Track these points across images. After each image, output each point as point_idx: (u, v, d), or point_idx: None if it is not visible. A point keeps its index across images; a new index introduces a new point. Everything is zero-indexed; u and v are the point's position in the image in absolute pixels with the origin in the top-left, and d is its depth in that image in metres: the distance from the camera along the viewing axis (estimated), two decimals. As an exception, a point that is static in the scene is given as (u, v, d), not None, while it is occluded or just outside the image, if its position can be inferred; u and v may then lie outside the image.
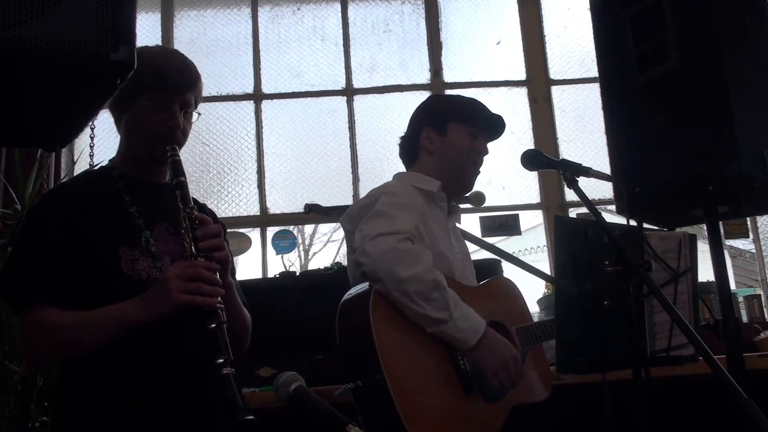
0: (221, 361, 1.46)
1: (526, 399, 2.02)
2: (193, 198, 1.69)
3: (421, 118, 2.28)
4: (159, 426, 1.59)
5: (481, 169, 2.27)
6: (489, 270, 2.48)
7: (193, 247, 1.58)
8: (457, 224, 2.32)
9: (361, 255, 1.88)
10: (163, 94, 1.68)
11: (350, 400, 1.80)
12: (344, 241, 2.21)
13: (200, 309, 1.51)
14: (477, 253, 2.81)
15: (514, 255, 2.82)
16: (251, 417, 1.40)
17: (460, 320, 1.83)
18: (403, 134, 2.33)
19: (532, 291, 3.16)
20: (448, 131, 2.21)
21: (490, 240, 3.23)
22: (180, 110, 1.71)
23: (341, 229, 2.21)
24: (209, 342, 1.49)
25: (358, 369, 1.80)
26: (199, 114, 1.80)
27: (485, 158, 2.26)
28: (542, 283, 3.65)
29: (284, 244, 3.72)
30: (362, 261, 1.87)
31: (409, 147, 2.28)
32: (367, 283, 1.89)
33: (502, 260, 2.83)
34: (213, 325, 1.50)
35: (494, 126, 2.27)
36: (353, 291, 1.94)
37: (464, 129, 2.21)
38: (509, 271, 2.78)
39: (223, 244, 1.64)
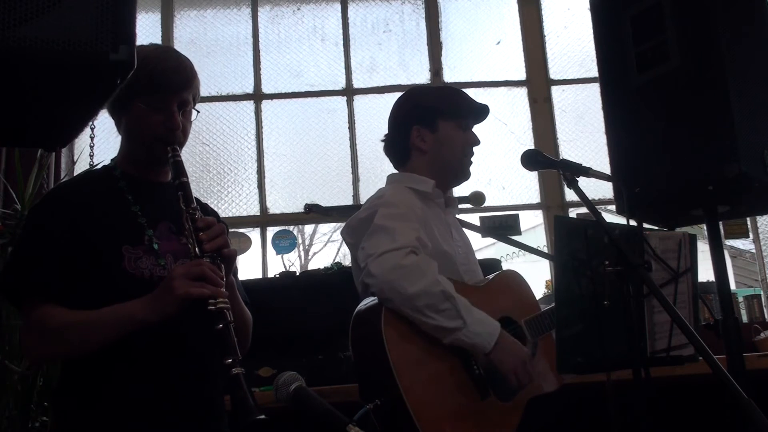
0: (230, 361, 1.46)
1: (538, 391, 2.03)
2: (195, 198, 1.69)
3: (408, 117, 2.22)
4: (162, 426, 1.59)
5: (476, 161, 2.27)
6: (489, 270, 2.48)
7: (196, 249, 1.58)
8: (454, 216, 2.32)
9: (367, 276, 1.88)
10: (159, 96, 1.67)
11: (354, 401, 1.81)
12: (344, 242, 2.20)
13: (206, 310, 1.50)
14: (477, 254, 2.81)
15: (514, 254, 2.82)
16: (263, 416, 1.40)
17: (474, 326, 1.84)
18: (387, 133, 2.29)
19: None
20: (438, 128, 2.19)
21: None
22: (178, 109, 1.70)
23: (341, 230, 2.21)
24: (217, 343, 1.49)
25: (374, 386, 1.81)
26: (198, 111, 1.79)
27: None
28: (542, 283, 3.66)
29: (284, 244, 3.72)
30: (369, 282, 1.87)
31: (399, 147, 2.24)
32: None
33: (502, 258, 2.82)
34: (221, 326, 1.49)
35: (480, 114, 2.27)
36: (365, 304, 1.94)
37: (455, 123, 2.20)
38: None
39: (228, 241, 1.65)
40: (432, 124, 2.19)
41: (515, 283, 2.24)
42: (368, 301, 1.93)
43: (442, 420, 1.80)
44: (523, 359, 1.89)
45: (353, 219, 2.11)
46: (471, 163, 2.25)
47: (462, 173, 2.25)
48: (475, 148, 2.25)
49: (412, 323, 1.85)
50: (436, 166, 2.19)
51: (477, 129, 2.28)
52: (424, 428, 1.73)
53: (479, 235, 2.74)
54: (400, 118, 2.25)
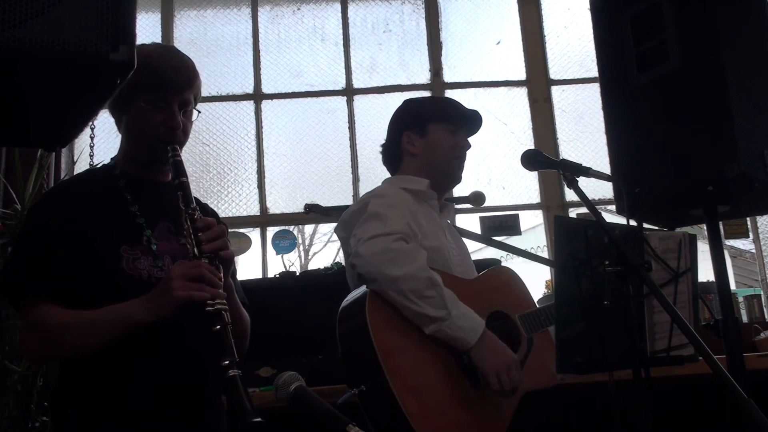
0: (227, 363, 1.46)
1: (535, 385, 2.01)
2: (195, 198, 1.68)
3: (399, 123, 2.30)
4: (161, 426, 1.59)
5: (467, 163, 2.30)
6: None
7: (195, 249, 1.58)
8: (450, 222, 2.34)
9: (355, 257, 1.90)
10: (160, 95, 1.67)
11: (354, 401, 1.80)
12: (338, 238, 2.22)
13: (204, 310, 1.50)
14: (477, 254, 2.81)
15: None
16: (259, 419, 1.40)
17: (458, 319, 1.83)
18: (383, 142, 2.35)
19: (532, 291, 3.16)
20: (428, 132, 2.24)
21: (490, 240, 3.22)
22: (179, 109, 1.70)
23: (335, 228, 2.22)
24: (214, 344, 1.49)
25: (360, 374, 1.80)
26: (199, 112, 1.79)
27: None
28: (542, 283, 3.65)
29: (284, 244, 3.72)
30: (356, 263, 1.89)
31: (392, 153, 2.31)
32: (363, 287, 1.90)
33: (502, 258, 2.82)
34: (218, 327, 1.49)
35: (472, 121, 2.30)
36: (351, 296, 1.95)
37: (444, 127, 2.24)
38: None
39: (227, 243, 1.64)
40: (422, 128, 2.25)
41: (510, 279, 2.25)
42: (352, 294, 1.94)
43: (430, 407, 1.79)
44: (509, 362, 1.86)
45: (345, 213, 2.15)
46: (462, 167, 2.28)
47: (452, 176, 2.28)
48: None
49: (399, 310, 1.84)
50: (427, 168, 2.23)
51: (478, 128, 2.30)
52: (411, 414, 1.71)
53: (478, 242, 2.74)
54: (392, 126, 2.33)
